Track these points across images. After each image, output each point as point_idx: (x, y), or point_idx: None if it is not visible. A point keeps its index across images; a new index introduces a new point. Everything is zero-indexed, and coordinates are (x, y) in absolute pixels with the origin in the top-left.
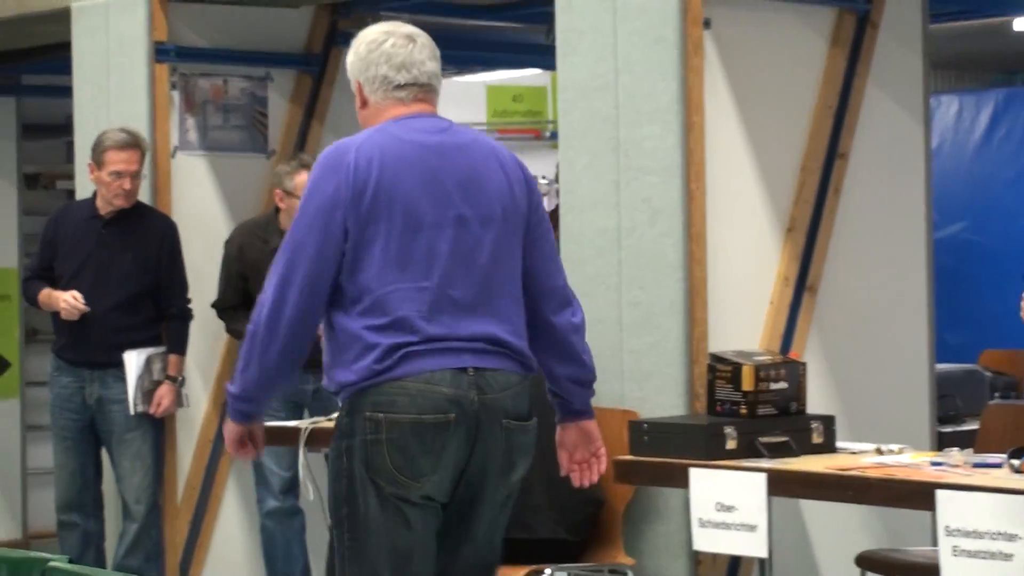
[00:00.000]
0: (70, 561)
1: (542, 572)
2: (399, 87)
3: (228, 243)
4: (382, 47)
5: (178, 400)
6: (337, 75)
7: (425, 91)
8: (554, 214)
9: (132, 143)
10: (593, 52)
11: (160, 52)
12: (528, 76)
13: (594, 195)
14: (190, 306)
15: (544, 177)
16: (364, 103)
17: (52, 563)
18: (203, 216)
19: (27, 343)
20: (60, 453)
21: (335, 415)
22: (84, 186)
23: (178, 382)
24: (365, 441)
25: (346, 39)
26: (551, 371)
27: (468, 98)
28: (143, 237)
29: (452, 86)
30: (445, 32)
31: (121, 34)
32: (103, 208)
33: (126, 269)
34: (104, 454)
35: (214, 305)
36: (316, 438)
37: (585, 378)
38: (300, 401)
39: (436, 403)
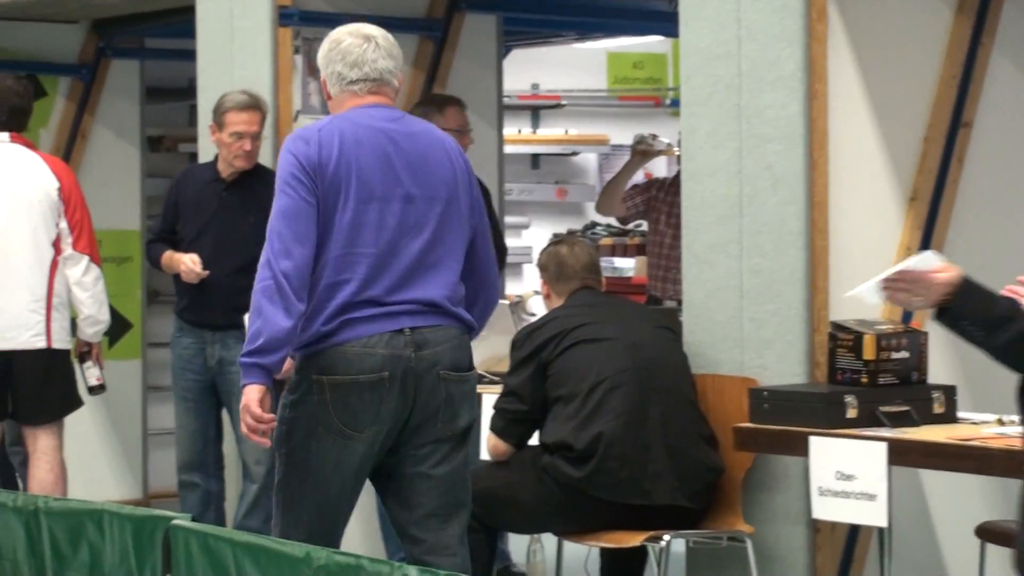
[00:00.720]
0: (192, 520)
1: (661, 538)
2: (352, 82)
3: None
4: (340, 46)
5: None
6: (459, 39)
7: (378, 85)
8: (675, 180)
9: (252, 104)
10: (716, 19)
11: (284, 16)
12: (649, 43)
13: (715, 163)
14: None
15: (669, 142)
16: (328, 95)
17: (175, 522)
18: None
19: (149, 304)
20: (181, 414)
21: None
22: (206, 149)
23: None
24: (312, 399)
25: (467, 4)
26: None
27: (589, 65)
28: (264, 200)
29: (572, 53)
30: (566, 0)
31: None
32: (224, 171)
33: (247, 232)
34: (225, 415)
35: None
36: None
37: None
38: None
39: (372, 364)
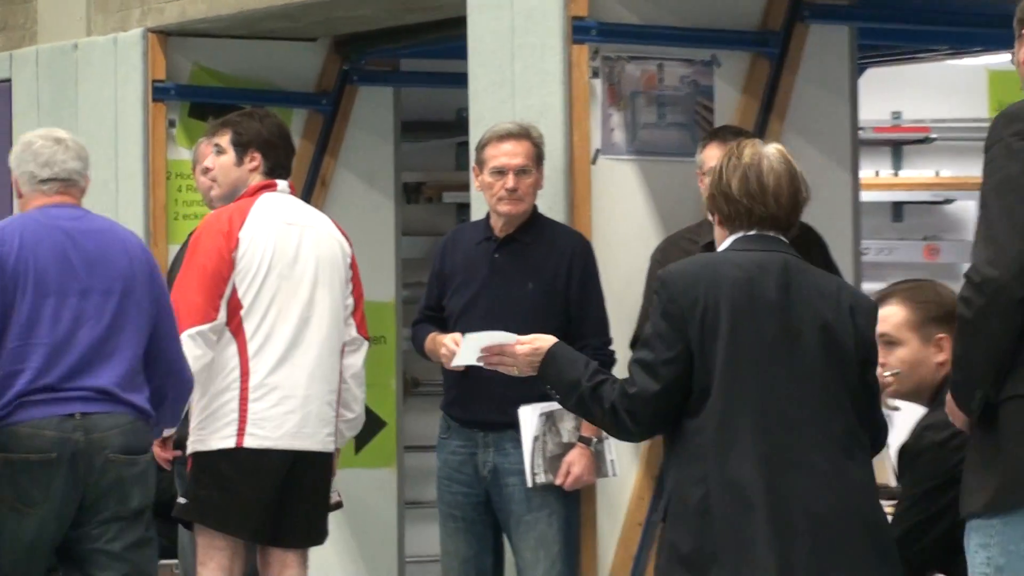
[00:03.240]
0: None
1: None
2: (42, 181)
3: (653, 256)
4: (31, 147)
5: (597, 467)
6: (802, 57)
7: (66, 185)
8: None
9: (516, 132)
10: None
11: (579, 30)
12: None
13: None
14: (611, 348)
15: None
16: (20, 193)
17: None
18: (629, 236)
19: (406, 397)
20: (449, 537)
21: None
22: (481, 200)
23: (593, 444)
24: None
25: (811, 13)
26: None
27: (965, 87)
28: (547, 260)
29: (944, 72)
30: (937, 6)
31: (529, 7)
32: (497, 225)
33: (525, 302)
34: (506, 540)
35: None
36: None
37: (175, 422)
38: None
39: (40, 444)
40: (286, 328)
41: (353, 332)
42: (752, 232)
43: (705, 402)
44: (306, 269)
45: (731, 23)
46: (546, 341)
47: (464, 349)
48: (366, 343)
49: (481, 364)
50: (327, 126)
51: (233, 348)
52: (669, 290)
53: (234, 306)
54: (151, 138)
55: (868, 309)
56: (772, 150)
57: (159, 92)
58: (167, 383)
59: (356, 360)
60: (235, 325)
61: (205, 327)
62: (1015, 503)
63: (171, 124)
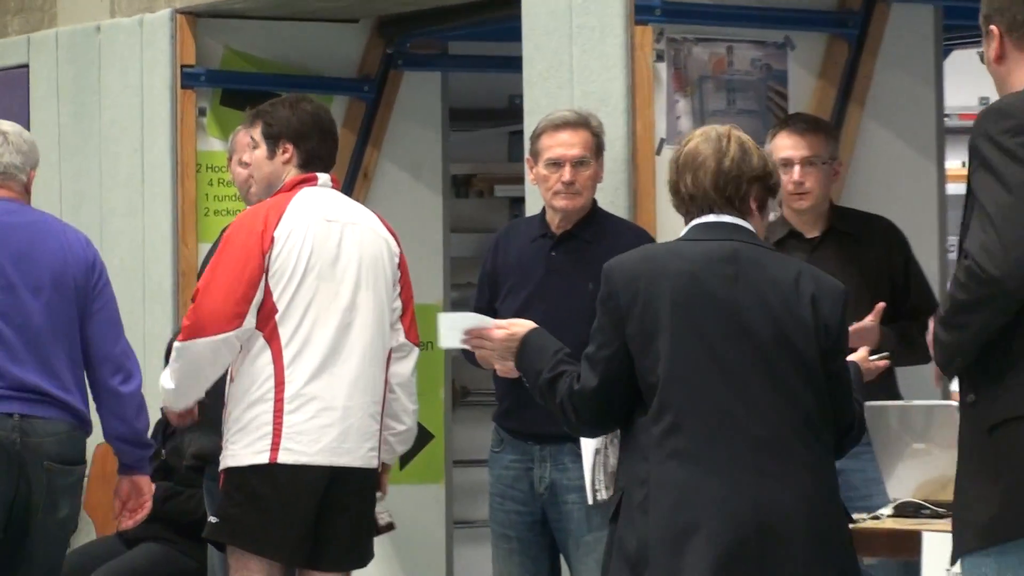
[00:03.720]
0: None
1: None
2: None
3: None
4: None
5: None
6: (883, 38)
7: (3, 178)
8: None
9: (574, 121)
10: None
11: (641, 10)
12: None
13: None
14: None
15: None
16: None
17: None
18: None
19: (455, 407)
20: (501, 559)
21: None
22: (536, 194)
23: None
24: None
25: None
26: (105, 429)
27: None
28: (608, 259)
29: None
30: None
31: None
32: (553, 221)
33: (585, 304)
34: (564, 562)
35: None
36: None
37: (132, 437)
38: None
39: None
40: (325, 334)
41: (401, 338)
42: (708, 219)
43: (652, 400)
44: (347, 270)
45: (807, 2)
46: (523, 326)
47: (444, 330)
48: (416, 350)
49: (467, 347)
50: (370, 114)
51: (267, 356)
52: (609, 284)
53: (268, 310)
54: (180, 128)
55: (834, 295)
56: (711, 130)
57: (188, 78)
58: (104, 390)
59: (405, 368)
60: (269, 331)
61: (230, 335)
62: (1009, 534)
63: (201, 112)
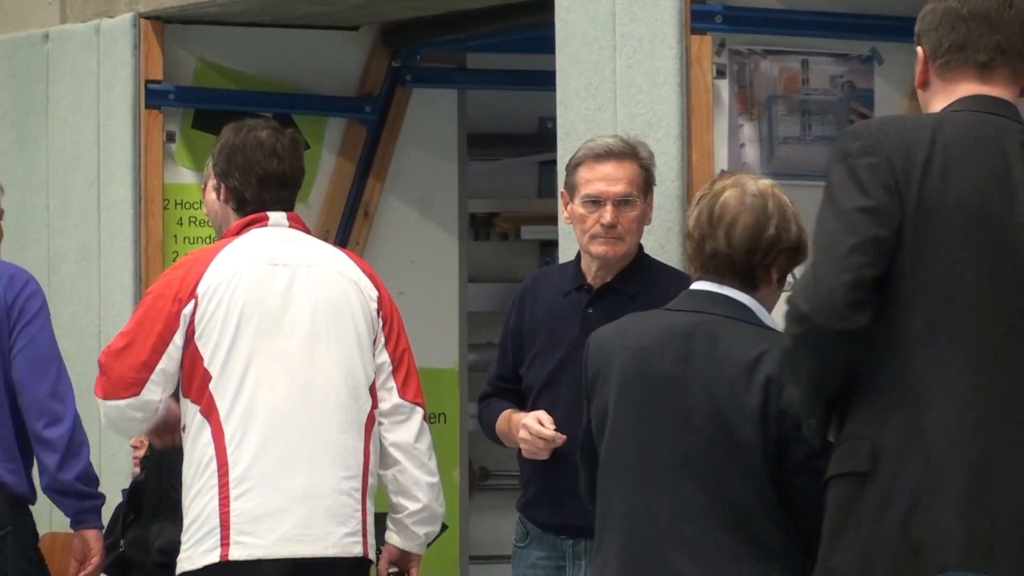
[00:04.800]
0: None
1: None
2: None
3: None
4: None
5: None
6: None
7: None
8: None
9: (619, 150)
10: None
11: (699, 16)
12: None
13: None
14: None
15: None
16: None
17: None
18: None
19: (472, 492)
20: None
21: None
22: (571, 236)
23: None
24: None
25: None
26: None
27: None
28: None
29: None
30: None
31: None
32: (590, 271)
33: None
34: None
35: None
36: None
37: (58, 487)
38: None
39: None
40: (272, 400)
41: (394, 398)
42: (702, 287)
43: None
44: (298, 320)
45: (897, 7)
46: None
47: None
48: (419, 410)
49: None
50: (372, 140)
51: (207, 435)
52: (584, 356)
53: (201, 378)
54: (143, 156)
55: None
56: (750, 183)
57: (154, 96)
58: (32, 438)
59: (407, 433)
60: (206, 403)
61: (123, 403)
62: None
63: (169, 138)
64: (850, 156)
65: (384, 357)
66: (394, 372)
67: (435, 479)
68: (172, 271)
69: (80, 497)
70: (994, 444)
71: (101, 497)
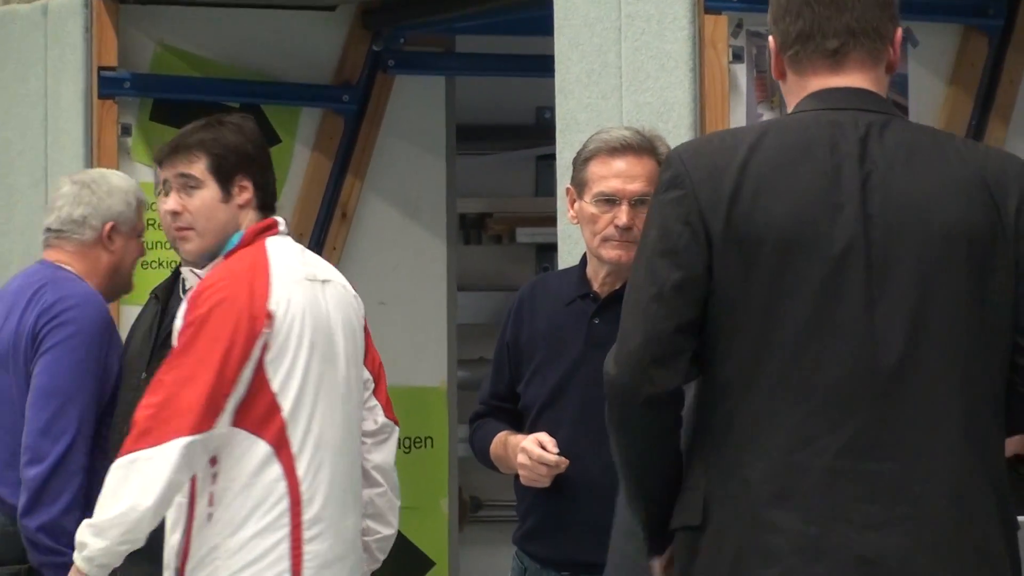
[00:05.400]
0: None
1: None
2: None
3: None
4: None
5: None
6: None
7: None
8: None
9: (637, 144)
10: None
11: None
12: None
13: None
14: None
15: None
16: None
17: None
18: None
19: (462, 524)
20: None
21: None
22: (572, 239)
23: None
24: None
25: None
26: None
27: None
28: None
29: None
30: None
31: None
32: (598, 277)
33: None
34: None
35: None
36: None
37: (23, 531)
38: None
39: None
40: (333, 434)
41: (380, 417)
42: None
43: None
44: (339, 344)
45: None
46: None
47: None
48: (397, 428)
49: None
50: (350, 133)
51: (276, 470)
52: None
53: (268, 407)
54: (96, 150)
55: None
56: None
57: (108, 84)
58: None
59: (387, 454)
60: (275, 435)
61: (197, 437)
62: None
63: (125, 131)
64: (659, 190)
65: (367, 373)
66: (376, 389)
67: (398, 499)
68: (232, 288)
69: (40, 551)
70: (824, 492)
71: (66, 555)
